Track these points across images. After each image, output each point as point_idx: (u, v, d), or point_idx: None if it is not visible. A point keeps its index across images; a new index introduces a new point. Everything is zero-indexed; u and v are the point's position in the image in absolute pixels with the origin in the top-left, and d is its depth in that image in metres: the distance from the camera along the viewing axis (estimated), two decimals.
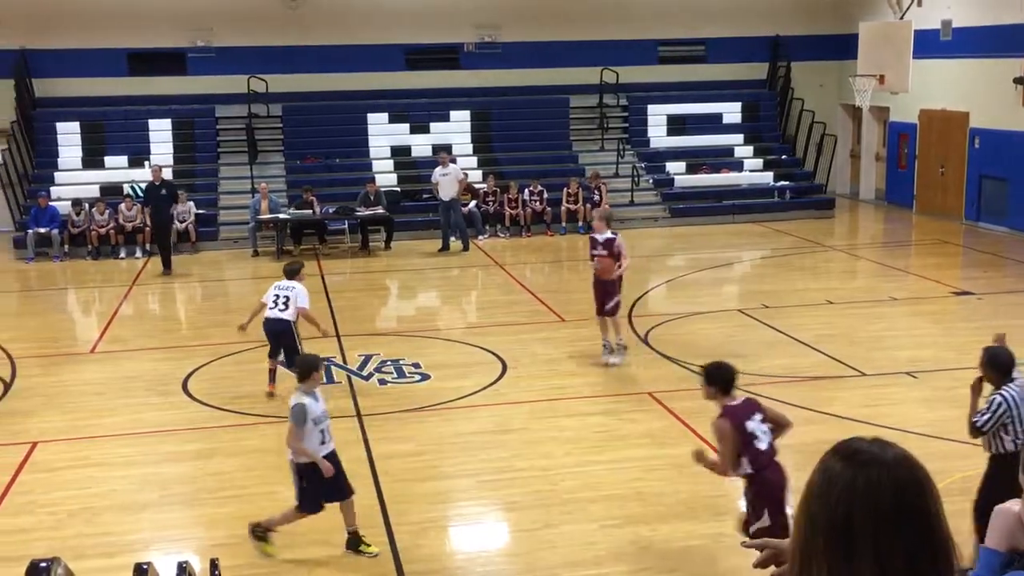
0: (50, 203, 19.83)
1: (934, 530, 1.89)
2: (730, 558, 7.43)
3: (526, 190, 21.32)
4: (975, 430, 6.70)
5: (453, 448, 9.66)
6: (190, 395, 11.21)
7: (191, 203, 20.16)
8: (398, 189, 21.70)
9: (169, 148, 22.17)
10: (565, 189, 21.38)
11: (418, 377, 11.72)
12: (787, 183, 23.20)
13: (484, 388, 11.27)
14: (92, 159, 21.83)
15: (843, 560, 1.87)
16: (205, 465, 9.21)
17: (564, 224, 21.12)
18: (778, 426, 6.76)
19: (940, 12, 21.36)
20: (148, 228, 19.26)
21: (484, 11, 23.66)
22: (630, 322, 13.85)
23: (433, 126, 23.10)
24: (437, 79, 23.53)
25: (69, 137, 21.95)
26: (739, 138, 24.19)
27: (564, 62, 23.73)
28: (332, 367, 12.09)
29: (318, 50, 22.87)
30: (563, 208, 21.24)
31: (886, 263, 18.01)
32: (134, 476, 9.03)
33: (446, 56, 23.86)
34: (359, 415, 10.46)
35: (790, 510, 6.34)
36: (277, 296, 10.83)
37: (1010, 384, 6.68)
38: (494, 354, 12.44)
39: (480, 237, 20.54)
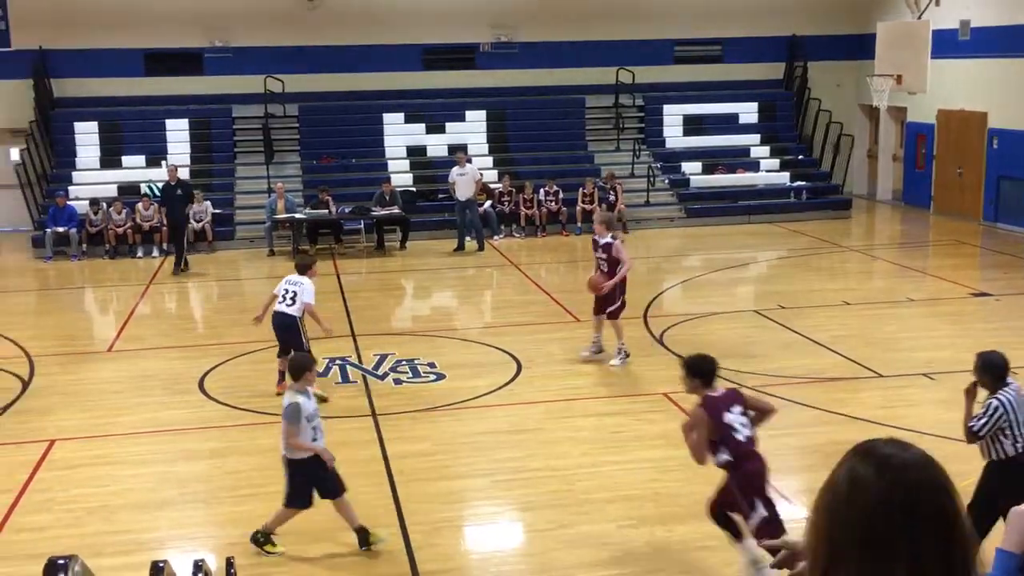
0: (68, 202, 19.95)
1: (962, 530, 1.89)
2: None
3: (541, 190, 21.32)
4: (972, 435, 6.65)
5: (468, 448, 9.67)
6: (206, 394, 11.25)
7: (208, 203, 20.24)
8: (413, 189, 21.73)
9: (186, 148, 22.28)
10: (581, 189, 21.36)
11: (433, 377, 11.73)
12: (804, 183, 23.12)
13: (499, 388, 11.27)
14: (110, 159, 21.96)
15: (878, 564, 1.85)
16: (221, 464, 9.25)
17: (579, 224, 21.10)
18: (762, 413, 6.90)
19: (958, 12, 21.23)
20: (165, 227, 19.36)
21: (500, 11, 23.67)
22: (645, 322, 13.84)
23: (449, 126, 23.12)
24: (453, 79, 23.55)
25: (87, 137, 22.08)
26: (755, 138, 24.12)
27: (580, 62, 23.72)
28: (347, 366, 12.12)
29: (334, 50, 22.93)
30: (579, 208, 21.22)
31: (903, 264, 17.93)
32: (151, 474, 9.08)
33: (462, 56, 23.88)
34: (374, 414, 10.48)
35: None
36: (286, 291, 10.87)
37: (1005, 388, 6.66)
38: (509, 354, 12.44)
39: (495, 237, 20.55)
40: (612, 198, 21.29)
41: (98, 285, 18.22)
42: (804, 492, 8.40)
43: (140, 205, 19.94)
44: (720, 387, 6.85)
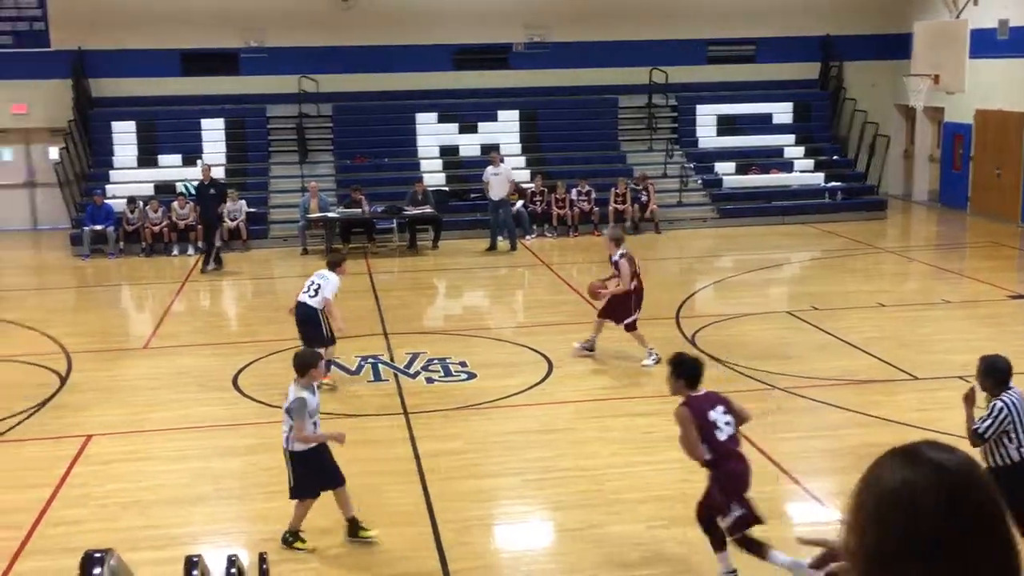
0: (105, 201, 20.20)
1: (1010, 533, 1.87)
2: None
3: (574, 190, 21.30)
4: (978, 437, 6.57)
5: (499, 447, 9.68)
6: (240, 391, 11.35)
7: (242, 201, 20.42)
8: (446, 188, 21.79)
9: (221, 147, 22.48)
10: (613, 189, 21.33)
11: (464, 376, 11.76)
12: (838, 184, 22.93)
13: (530, 387, 11.28)
14: (146, 158, 22.20)
15: (930, 567, 1.83)
16: (254, 461, 9.32)
17: (612, 224, 21.06)
18: (740, 418, 6.94)
19: (997, 11, 20.96)
20: (200, 226, 19.55)
21: (533, 11, 23.68)
22: (678, 323, 13.79)
23: (481, 126, 23.16)
24: (486, 79, 23.59)
25: (124, 136, 22.33)
26: (789, 138, 23.95)
27: (613, 62, 23.66)
28: (380, 365, 12.19)
29: (368, 50, 23.03)
30: (611, 208, 21.19)
31: (939, 265, 17.73)
32: (185, 470, 9.17)
33: (495, 56, 23.90)
34: (406, 413, 10.52)
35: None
36: (311, 283, 11.10)
37: (1009, 391, 6.59)
38: (540, 353, 12.45)
39: (527, 237, 20.55)
40: (644, 198, 21.26)
41: (134, 283, 18.43)
42: (837, 495, 8.34)
43: (176, 203, 20.15)
44: (703, 388, 6.91)
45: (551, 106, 23.53)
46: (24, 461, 9.45)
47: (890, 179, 24.73)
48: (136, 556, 6.92)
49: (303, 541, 7.60)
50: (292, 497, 7.58)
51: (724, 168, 23.16)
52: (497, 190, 19.50)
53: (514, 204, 20.45)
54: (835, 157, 23.79)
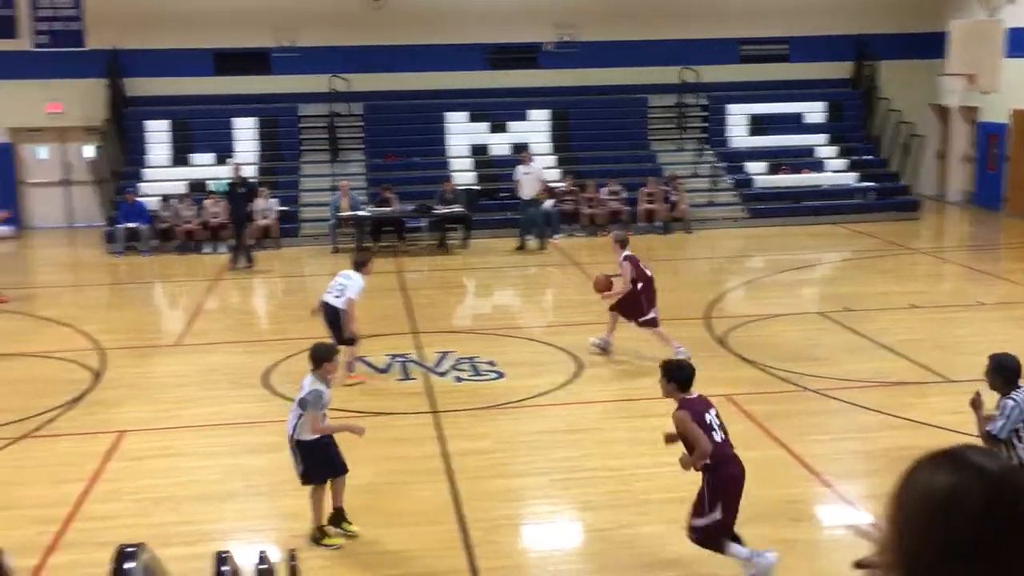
0: (138, 199, 20.41)
1: None
2: (805, 563, 7.33)
3: (604, 189, 21.25)
4: (993, 439, 6.49)
5: (527, 446, 9.68)
6: (270, 389, 11.42)
7: (274, 200, 20.55)
8: (476, 188, 21.81)
9: (253, 146, 22.64)
10: (643, 189, 21.26)
11: (493, 375, 11.77)
12: (871, 184, 22.73)
13: (559, 387, 11.27)
14: (180, 156, 22.40)
15: (976, 571, 1.82)
16: (284, 457, 9.34)
17: (642, 224, 21.02)
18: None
19: None
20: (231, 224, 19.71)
21: (563, 10, 23.65)
22: (707, 323, 13.73)
23: (512, 125, 23.17)
24: (516, 78, 23.59)
25: (158, 135, 22.55)
26: (821, 138, 23.78)
27: (643, 61, 23.59)
28: (408, 363, 12.22)
29: (399, 50, 23.11)
30: (641, 208, 21.13)
31: (973, 267, 17.54)
32: (216, 467, 9.24)
33: (525, 55, 23.90)
34: (435, 412, 10.55)
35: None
36: (336, 284, 11.29)
37: (1018, 390, 6.52)
38: (569, 353, 12.44)
39: (556, 236, 20.54)
40: (674, 198, 21.18)
41: (167, 280, 18.60)
42: (868, 498, 8.28)
43: (208, 202, 20.31)
44: (695, 392, 6.96)
45: (581, 105, 23.50)
46: (58, 456, 9.57)
47: (924, 179, 24.49)
48: (168, 551, 6.98)
49: (331, 537, 7.64)
50: (304, 483, 7.69)
51: (755, 168, 23.02)
52: (527, 189, 19.52)
53: (543, 203, 20.44)
54: (868, 157, 23.59)
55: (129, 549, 3.76)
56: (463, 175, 22.08)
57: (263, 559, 5.94)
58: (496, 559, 7.44)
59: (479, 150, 22.95)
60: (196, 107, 22.72)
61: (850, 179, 22.95)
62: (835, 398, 10.73)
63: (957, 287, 16.41)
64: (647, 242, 20.44)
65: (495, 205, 21.29)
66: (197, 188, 21.22)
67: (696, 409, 6.81)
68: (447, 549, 7.56)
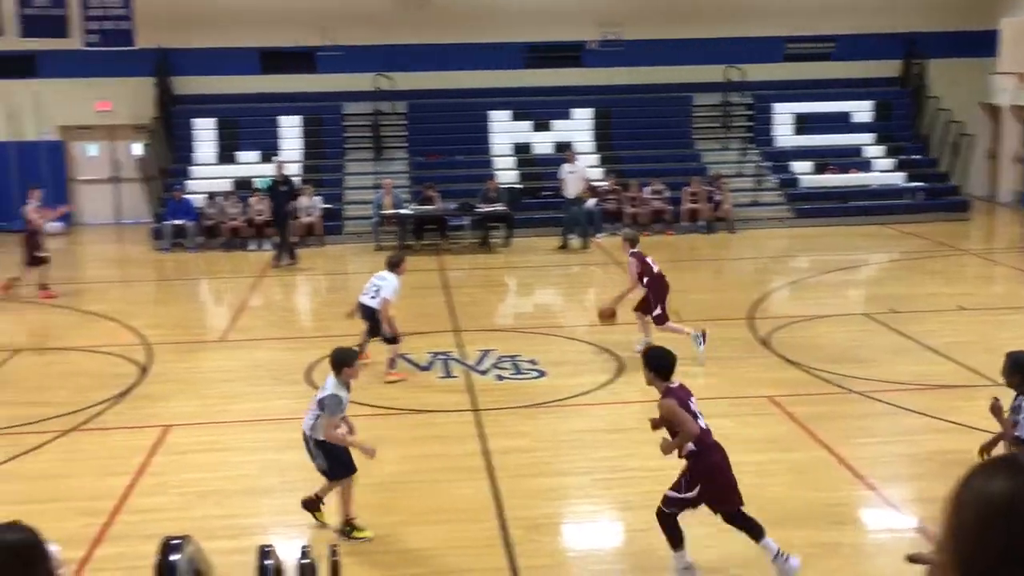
0: (185, 196, 20.67)
1: None
2: (849, 567, 7.25)
3: (647, 188, 21.16)
4: (1022, 443, 6.38)
5: (567, 445, 9.67)
6: (313, 385, 11.49)
7: (318, 198, 20.71)
8: (519, 186, 21.82)
9: (298, 144, 22.83)
10: (686, 188, 21.15)
11: (534, 373, 11.77)
12: (920, 184, 22.41)
13: (600, 387, 11.24)
14: (226, 154, 22.64)
15: None
16: None
17: (685, 223, 20.91)
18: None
19: None
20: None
21: (607, 9, 23.58)
22: (751, 324, 13.62)
23: (555, 124, 23.15)
24: (559, 77, 23.57)
25: (205, 133, 22.82)
26: (868, 137, 23.49)
27: (687, 60, 23.44)
28: (450, 361, 12.25)
29: (443, 48, 23.18)
30: (684, 207, 21.01)
31: (1023, 268, 17.23)
32: (260, 461, 9.33)
33: (569, 54, 23.86)
34: (475, 410, 10.56)
35: None
36: (372, 285, 11.46)
37: None
38: (610, 352, 12.40)
39: (599, 235, 20.49)
40: (717, 198, 21.04)
41: (212, 276, 18.82)
42: (914, 501, 8.17)
43: (253, 199, 20.51)
44: (676, 380, 7.02)
45: (625, 104, 23.41)
46: (106, 449, 9.71)
47: (974, 179, 24.10)
48: (212, 544, 7.03)
49: (361, 530, 7.71)
50: (332, 478, 7.75)
51: (800, 167, 22.80)
52: (572, 188, 19.52)
53: (587, 202, 20.40)
54: (917, 157, 23.26)
55: (174, 541, 3.80)
56: (506, 174, 22.10)
57: (305, 553, 5.98)
58: (536, 558, 7.44)
59: (522, 149, 22.95)
60: (242, 105, 22.96)
61: (898, 179, 22.64)
62: (880, 400, 10.59)
63: (1007, 289, 16.13)
64: (690, 241, 20.35)
65: (537, 204, 21.28)
66: (243, 186, 21.44)
67: (680, 397, 6.90)
68: (487, 547, 7.57)
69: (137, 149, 22.82)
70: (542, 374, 11.74)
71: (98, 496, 8.51)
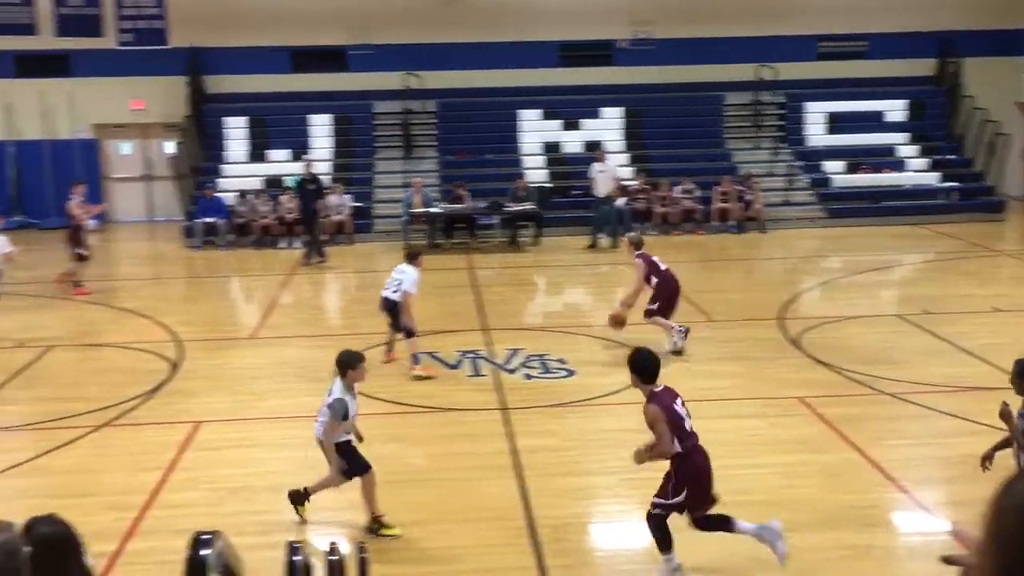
0: (216, 194, 20.83)
1: None
2: (879, 570, 7.18)
3: (677, 188, 21.07)
4: None
5: (596, 445, 9.64)
6: None
7: (347, 196, 20.79)
8: (548, 185, 21.79)
9: (328, 143, 22.93)
10: (717, 188, 21.03)
11: (563, 373, 11.75)
12: (954, 184, 22.17)
13: (629, 386, 11.13)
14: (257, 152, 22.78)
15: None
16: None
17: (715, 223, 20.79)
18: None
19: None
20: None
21: (638, 7, 23.50)
22: (781, 324, 13.52)
23: (585, 123, 23.11)
24: (590, 76, 23.52)
25: (236, 131, 22.98)
26: (901, 137, 23.27)
27: (719, 58, 23.32)
28: (479, 360, 12.26)
29: (473, 47, 23.19)
30: (715, 207, 20.90)
31: None
32: (290, 458, 9.36)
33: (599, 53, 23.80)
34: (504, 409, 10.56)
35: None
36: (393, 279, 11.74)
37: None
38: None
39: (627, 235, 20.39)
40: (748, 197, 20.92)
41: (243, 274, 18.93)
42: (946, 504, 8.08)
43: (283, 198, 20.63)
44: (660, 384, 6.96)
45: (655, 103, 23.32)
46: (137, 445, 9.79)
47: (1009, 179, 23.81)
48: (242, 540, 7.07)
49: (389, 527, 7.72)
50: (350, 476, 7.80)
51: (833, 167, 22.62)
52: (602, 187, 19.50)
53: (616, 201, 20.35)
54: (951, 156, 23.00)
55: (204, 536, 3.81)
56: (535, 173, 22.08)
57: (333, 550, 6.00)
58: (564, 557, 7.42)
59: (552, 148, 22.92)
60: (273, 104, 23.09)
61: (932, 179, 22.41)
62: (912, 402, 10.48)
63: None
64: (720, 241, 20.24)
65: (567, 203, 21.25)
66: (273, 184, 21.57)
67: (665, 402, 6.83)
68: (515, 546, 7.56)
69: (169, 147, 23.02)
70: (571, 373, 11.72)
71: (129, 491, 8.58)
